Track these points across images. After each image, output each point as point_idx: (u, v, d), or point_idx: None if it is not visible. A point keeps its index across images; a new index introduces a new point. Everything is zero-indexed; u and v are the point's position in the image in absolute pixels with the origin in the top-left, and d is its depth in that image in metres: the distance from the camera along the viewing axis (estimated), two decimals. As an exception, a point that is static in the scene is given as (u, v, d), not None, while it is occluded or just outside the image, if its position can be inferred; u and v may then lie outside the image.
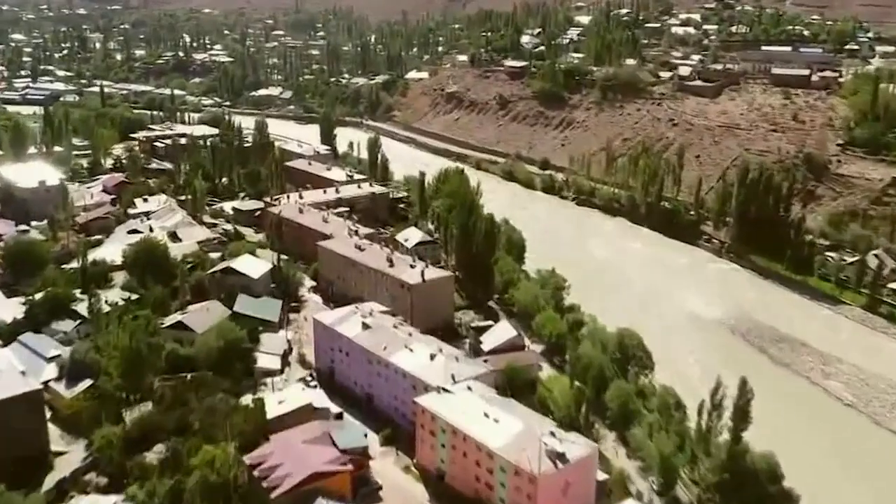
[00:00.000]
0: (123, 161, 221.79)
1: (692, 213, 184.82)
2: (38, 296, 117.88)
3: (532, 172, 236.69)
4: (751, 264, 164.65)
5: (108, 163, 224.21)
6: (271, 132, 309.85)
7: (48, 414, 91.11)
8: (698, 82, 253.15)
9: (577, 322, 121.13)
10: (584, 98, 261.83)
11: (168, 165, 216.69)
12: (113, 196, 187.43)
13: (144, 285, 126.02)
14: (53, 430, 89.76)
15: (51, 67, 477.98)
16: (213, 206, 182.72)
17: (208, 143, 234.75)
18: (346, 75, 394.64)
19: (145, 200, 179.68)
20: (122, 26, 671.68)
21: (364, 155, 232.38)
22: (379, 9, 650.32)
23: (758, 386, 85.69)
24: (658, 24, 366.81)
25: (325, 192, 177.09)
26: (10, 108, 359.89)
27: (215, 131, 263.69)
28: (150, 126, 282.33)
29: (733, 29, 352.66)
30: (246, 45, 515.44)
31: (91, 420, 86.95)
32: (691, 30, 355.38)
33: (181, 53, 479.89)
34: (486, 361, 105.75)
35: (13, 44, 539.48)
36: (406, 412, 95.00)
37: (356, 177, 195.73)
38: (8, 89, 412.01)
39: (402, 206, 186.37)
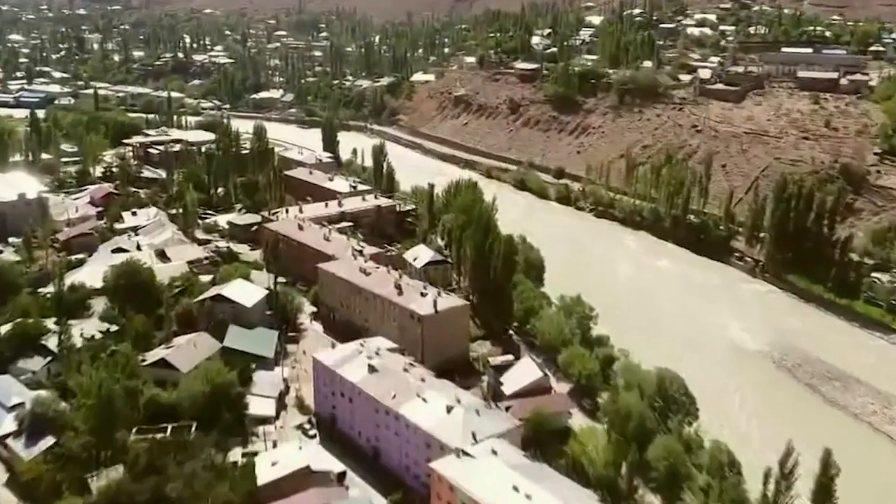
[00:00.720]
0: (114, 170, 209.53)
1: (722, 227, 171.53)
2: (5, 328, 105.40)
3: (546, 181, 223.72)
4: (789, 286, 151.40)
5: (98, 171, 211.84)
6: (271, 137, 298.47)
7: (4, 477, 78.46)
8: (719, 86, 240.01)
9: (607, 358, 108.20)
10: (600, 102, 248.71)
11: (161, 174, 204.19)
12: (100, 209, 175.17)
13: (126, 314, 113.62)
14: (9, 498, 76.98)
15: (47, 69, 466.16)
16: (207, 220, 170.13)
17: (204, 150, 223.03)
18: (350, 77, 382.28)
19: (134, 214, 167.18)
20: (121, 27, 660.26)
21: (368, 163, 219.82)
22: (383, 9, 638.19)
23: (813, 435, 73.07)
24: (673, 25, 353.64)
25: (326, 205, 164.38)
26: (2, 112, 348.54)
27: (213, 137, 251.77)
28: (145, 131, 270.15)
29: (751, 30, 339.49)
30: (247, 47, 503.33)
31: (51, 489, 74.21)
32: (707, 30, 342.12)
33: (181, 55, 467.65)
34: (508, 409, 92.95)
35: (11, 45, 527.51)
36: (419, 473, 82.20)
37: (360, 187, 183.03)
38: (2, 92, 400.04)
39: (409, 220, 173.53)
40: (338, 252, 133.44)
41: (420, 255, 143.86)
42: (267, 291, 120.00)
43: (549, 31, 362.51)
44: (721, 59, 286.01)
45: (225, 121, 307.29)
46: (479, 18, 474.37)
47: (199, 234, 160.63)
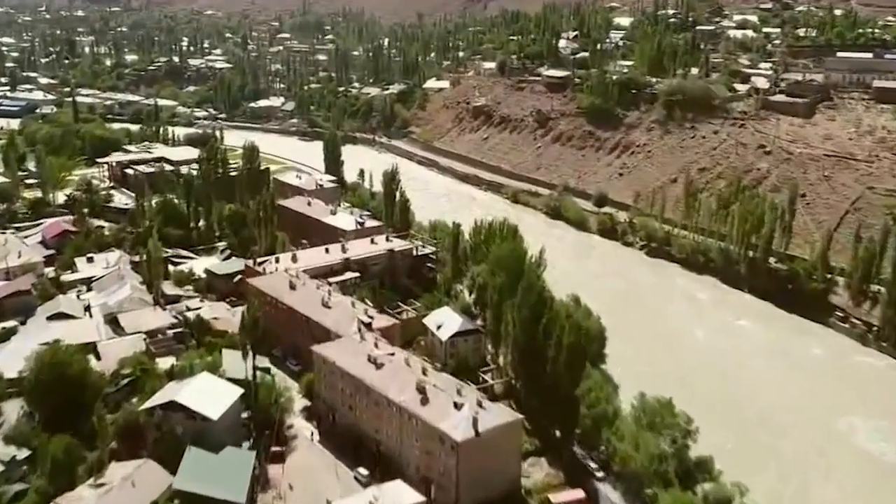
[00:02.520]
0: (81, 197, 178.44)
1: (816, 277, 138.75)
2: None
3: (585, 210, 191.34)
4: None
5: (61, 198, 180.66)
6: (268, 153, 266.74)
7: None
8: (780, 97, 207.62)
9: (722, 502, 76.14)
10: (644, 116, 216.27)
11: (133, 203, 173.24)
12: (52, 251, 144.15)
13: (48, 426, 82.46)
14: None
15: (34, 74, 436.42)
16: (180, 267, 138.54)
17: (189, 171, 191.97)
18: (357, 84, 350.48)
19: (90, 260, 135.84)
20: (118, 29, 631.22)
21: (378, 186, 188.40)
22: (392, 10, 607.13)
23: None
24: (711, 27, 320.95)
25: (327, 250, 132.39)
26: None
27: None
28: (126, 147, 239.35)
29: (800, 32, 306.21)
30: (247, 50, 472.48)
31: None
32: (750, 33, 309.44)
33: (176, 59, 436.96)
34: None
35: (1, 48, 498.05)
36: None
37: (368, 223, 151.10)
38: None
39: (429, 265, 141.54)
40: (339, 325, 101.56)
41: (445, 321, 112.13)
42: (241, 392, 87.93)
43: (574, 33, 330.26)
44: (773, 65, 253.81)
45: (217, 133, 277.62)
46: (495, 20, 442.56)
47: (169, 287, 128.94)
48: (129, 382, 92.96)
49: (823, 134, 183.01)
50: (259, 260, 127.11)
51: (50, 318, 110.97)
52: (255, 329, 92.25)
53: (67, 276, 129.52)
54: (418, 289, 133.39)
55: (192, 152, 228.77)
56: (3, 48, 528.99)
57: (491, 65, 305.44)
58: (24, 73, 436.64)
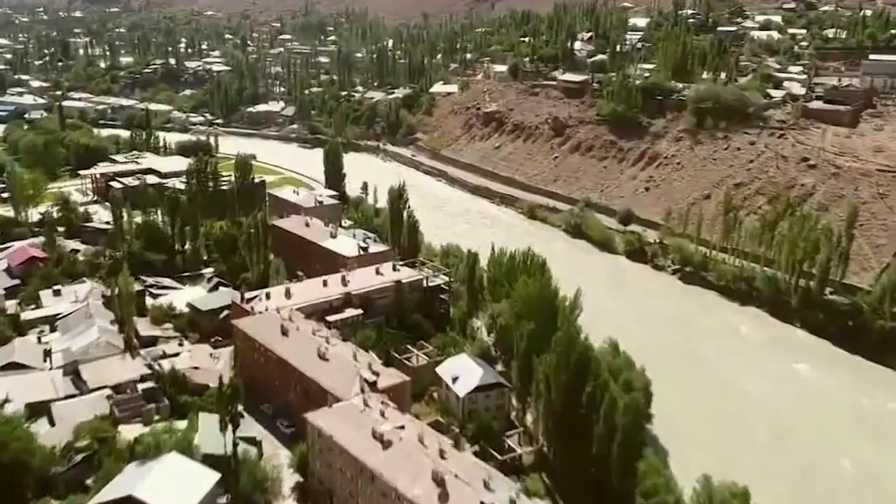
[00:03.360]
0: (55, 216, 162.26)
1: (883, 313, 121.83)
2: None
3: (609, 228, 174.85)
4: None
5: (35, 216, 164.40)
6: (265, 162, 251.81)
7: None
8: (819, 104, 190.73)
9: None
10: (671, 125, 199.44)
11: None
12: (17, 280, 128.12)
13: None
14: None
15: (26, 77, 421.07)
16: (160, 299, 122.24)
17: (179, 184, 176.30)
18: (360, 88, 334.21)
19: (57, 293, 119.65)
20: (117, 30, 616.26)
21: (383, 201, 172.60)
22: (396, 11, 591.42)
23: None
24: (733, 28, 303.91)
25: (325, 282, 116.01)
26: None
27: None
28: (113, 157, 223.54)
29: (829, 33, 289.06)
30: (246, 52, 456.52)
31: None
32: (775, 34, 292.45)
33: (172, 61, 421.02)
34: None
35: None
36: None
37: (372, 247, 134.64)
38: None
39: (441, 296, 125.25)
40: (338, 385, 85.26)
41: (462, 372, 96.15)
42: (217, 477, 71.62)
43: (589, 34, 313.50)
44: (803, 68, 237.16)
45: (212, 140, 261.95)
46: (503, 20, 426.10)
47: (145, 326, 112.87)
48: (85, 458, 76.78)
49: (873, 145, 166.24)
50: (248, 295, 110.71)
51: (1, 368, 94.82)
52: (235, 399, 75.87)
53: (29, 314, 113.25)
54: (429, 325, 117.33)
55: (183, 163, 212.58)
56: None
57: (501, 68, 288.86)
58: (16, 76, 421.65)
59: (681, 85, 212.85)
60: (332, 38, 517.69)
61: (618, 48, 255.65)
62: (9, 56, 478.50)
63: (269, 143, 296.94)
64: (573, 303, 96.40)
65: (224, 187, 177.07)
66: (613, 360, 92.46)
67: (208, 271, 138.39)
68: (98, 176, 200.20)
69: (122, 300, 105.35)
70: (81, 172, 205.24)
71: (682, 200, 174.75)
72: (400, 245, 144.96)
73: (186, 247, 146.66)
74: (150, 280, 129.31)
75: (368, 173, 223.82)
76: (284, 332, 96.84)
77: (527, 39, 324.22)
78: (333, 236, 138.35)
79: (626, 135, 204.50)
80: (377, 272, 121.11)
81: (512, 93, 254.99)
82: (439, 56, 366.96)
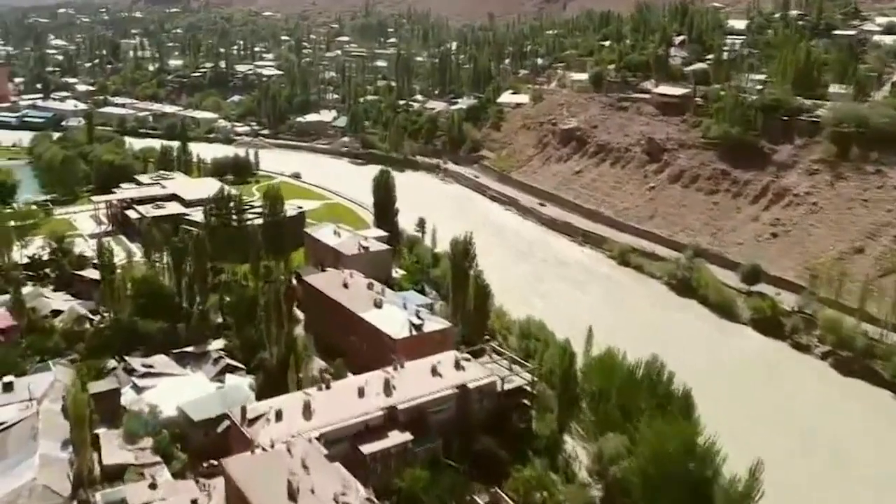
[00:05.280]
0: (43, 258, 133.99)
1: None
2: None
3: (728, 286, 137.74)
4: None
5: (24, 258, 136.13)
6: (311, 181, 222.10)
7: None
8: None
9: None
10: (803, 153, 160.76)
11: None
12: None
13: None
14: None
15: (73, 80, 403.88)
16: (143, 395, 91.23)
17: (202, 220, 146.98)
18: (420, 97, 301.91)
19: (7, 388, 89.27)
20: (173, 31, 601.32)
21: (442, 241, 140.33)
22: (460, 11, 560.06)
23: None
24: (852, 32, 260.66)
25: (361, 391, 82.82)
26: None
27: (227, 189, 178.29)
28: (137, 176, 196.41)
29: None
30: (300, 55, 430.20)
31: None
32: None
33: (222, 64, 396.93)
34: None
35: (40, 52, 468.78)
36: None
37: (429, 323, 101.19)
38: (7, 110, 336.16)
39: (523, 400, 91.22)
40: None
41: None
42: None
43: (681, 38, 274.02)
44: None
45: (253, 155, 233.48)
46: (578, 21, 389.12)
47: (114, 447, 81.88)
48: None
49: None
50: (251, 411, 78.26)
51: None
52: None
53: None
54: (504, 450, 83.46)
55: (215, 187, 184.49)
56: (52, 51, 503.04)
57: (579, 76, 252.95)
58: (64, 79, 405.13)
59: (808, 102, 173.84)
60: (392, 40, 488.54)
61: (725, 55, 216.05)
62: (60, 58, 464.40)
63: (318, 159, 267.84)
64: (748, 483, 60.73)
65: (253, 220, 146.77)
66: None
67: (217, 347, 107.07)
68: (115, 204, 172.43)
69: (74, 419, 74.11)
70: (94, 198, 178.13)
71: (823, 253, 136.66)
72: (463, 313, 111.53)
73: (196, 307, 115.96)
74: (139, 363, 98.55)
75: (426, 199, 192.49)
76: (293, 497, 64.00)
77: (608, 43, 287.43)
78: (378, 305, 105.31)
79: (743, 163, 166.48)
80: (434, 371, 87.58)
81: (595, 106, 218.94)
82: (507, 61, 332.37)
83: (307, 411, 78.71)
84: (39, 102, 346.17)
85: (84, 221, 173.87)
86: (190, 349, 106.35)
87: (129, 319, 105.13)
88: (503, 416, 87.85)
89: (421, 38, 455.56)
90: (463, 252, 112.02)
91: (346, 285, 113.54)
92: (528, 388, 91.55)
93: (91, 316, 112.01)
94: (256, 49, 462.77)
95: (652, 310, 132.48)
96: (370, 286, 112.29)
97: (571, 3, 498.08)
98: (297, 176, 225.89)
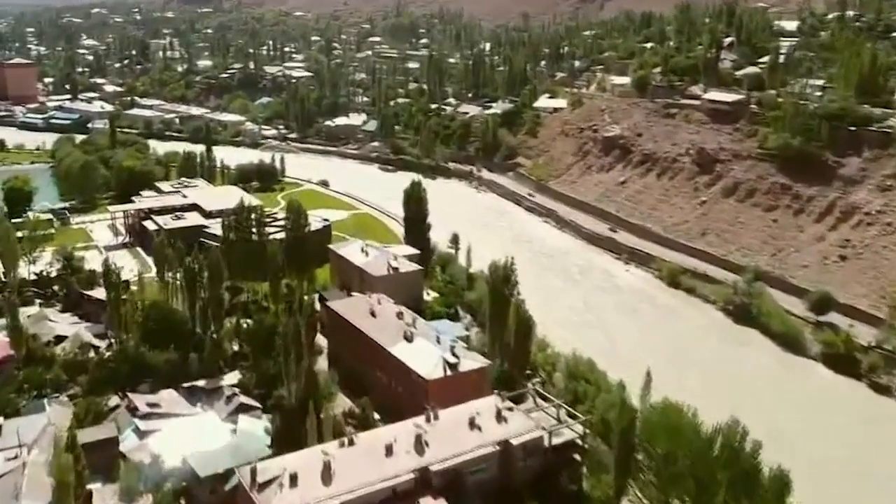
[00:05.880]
0: (49, 274, 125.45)
1: None
2: None
3: (794, 315, 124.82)
4: None
5: (31, 273, 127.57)
6: (340, 190, 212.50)
7: None
8: None
9: None
10: (872, 166, 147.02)
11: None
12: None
13: None
14: None
15: (102, 81, 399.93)
16: (146, 441, 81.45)
17: (221, 233, 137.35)
18: (452, 100, 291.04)
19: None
20: (204, 31, 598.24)
21: (478, 261, 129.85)
22: (493, 11, 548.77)
23: None
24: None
25: (389, 449, 72.05)
26: (24, 138, 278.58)
27: (251, 201, 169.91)
28: (158, 184, 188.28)
29: None
30: (330, 56, 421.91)
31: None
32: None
33: (251, 65, 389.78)
34: None
35: (69, 52, 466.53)
36: None
37: (465, 362, 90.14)
38: (34, 112, 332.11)
39: (574, 456, 79.90)
40: None
41: None
42: None
43: (729, 40, 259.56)
44: None
45: (279, 161, 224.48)
46: (616, 22, 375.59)
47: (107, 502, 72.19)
48: None
49: None
50: (264, 477, 67.74)
51: None
52: None
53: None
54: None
55: (236, 197, 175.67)
56: (83, 51, 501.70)
57: (621, 79, 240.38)
58: (92, 80, 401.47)
59: (878, 111, 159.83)
60: (424, 40, 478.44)
61: (781, 58, 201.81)
62: (90, 58, 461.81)
63: (347, 164, 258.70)
64: None
65: (275, 235, 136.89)
66: None
67: (231, 381, 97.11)
68: (132, 213, 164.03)
69: (58, 483, 64.21)
70: (110, 208, 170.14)
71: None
72: (502, 345, 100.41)
73: (210, 334, 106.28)
74: (143, 401, 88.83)
75: (458, 209, 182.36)
76: None
77: (650, 45, 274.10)
78: (409, 339, 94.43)
79: (805, 177, 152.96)
80: (472, 423, 76.60)
81: (639, 113, 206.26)
82: (542, 63, 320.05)
83: (326, 473, 68.11)
84: (67, 104, 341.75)
85: (101, 231, 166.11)
86: (202, 383, 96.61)
87: (135, 351, 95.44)
88: (551, 477, 76.56)
89: (453, 38, 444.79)
90: (503, 279, 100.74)
91: (373, 313, 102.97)
92: (580, 442, 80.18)
93: (96, 343, 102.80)
94: (286, 49, 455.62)
95: (709, 341, 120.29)
96: (400, 315, 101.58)
97: (609, 2, 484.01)
98: (324, 183, 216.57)
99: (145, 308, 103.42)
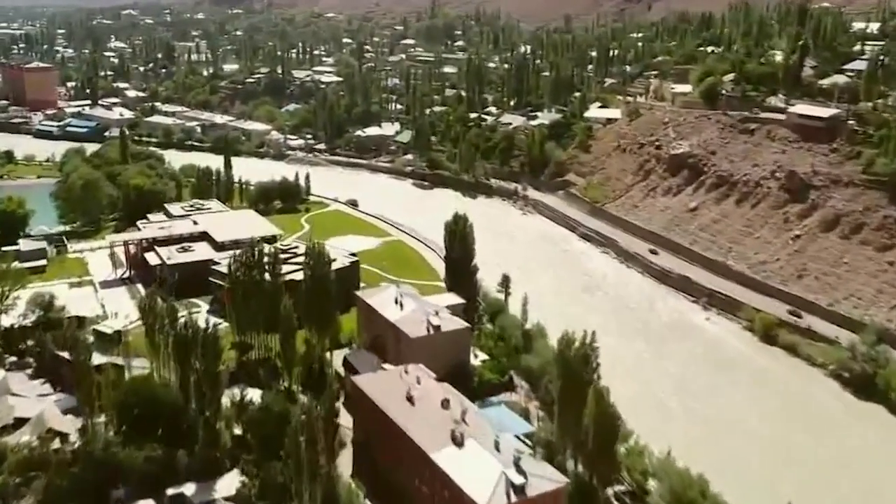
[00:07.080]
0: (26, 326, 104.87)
1: None
2: None
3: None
4: None
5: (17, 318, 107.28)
6: (369, 211, 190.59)
7: None
8: None
9: None
10: None
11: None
12: None
13: None
14: None
15: (125, 86, 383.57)
16: None
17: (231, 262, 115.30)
18: (493, 109, 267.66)
19: None
20: (234, 33, 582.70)
21: (536, 306, 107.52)
22: (531, 12, 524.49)
23: None
24: None
25: None
26: (37, 147, 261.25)
27: (268, 229, 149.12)
28: (167, 206, 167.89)
29: None
30: (362, 60, 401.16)
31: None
32: None
33: (279, 69, 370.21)
34: None
35: (94, 55, 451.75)
36: None
37: (534, 481, 67.15)
38: (50, 119, 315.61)
39: None
40: None
41: None
42: None
43: (799, 43, 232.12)
44: None
45: (304, 178, 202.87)
46: (666, 23, 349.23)
47: None
48: None
49: None
50: None
51: None
52: None
53: None
54: None
55: (252, 222, 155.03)
56: (109, 54, 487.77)
57: (682, 87, 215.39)
58: (115, 84, 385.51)
59: None
60: (460, 43, 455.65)
61: (880, 65, 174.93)
62: (116, 61, 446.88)
63: (378, 179, 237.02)
64: None
65: (292, 275, 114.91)
66: None
67: (228, 490, 75.08)
68: (136, 243, 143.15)
69: None
70: (108, 237, 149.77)
71: None
72: (577, 444, 77.23)
73: (204, 418, 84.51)
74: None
75: (503, 235, 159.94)
76: None
77: (710, 49, 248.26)
78: (458, 442, 71.55)
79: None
80: None
81: (711, 127, 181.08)
82: (590, 67, 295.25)
83: None
84: (86, 110, 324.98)
85: (100, 262, 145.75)
86: (191, 491, 74.93)
87: (104, 452, 73.89)
88: None
89: (491, 41, 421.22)
90: (581, 359, 77.35)
91: (410, 399, 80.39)
92: None
93: (64, 430, 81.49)
94: (316, 52, 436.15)
95: (829, 426, 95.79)
96: (445, 403, 78.78)
97: (657, 3, 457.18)
98: (353, 203, 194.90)
99: (124, 389, 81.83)
